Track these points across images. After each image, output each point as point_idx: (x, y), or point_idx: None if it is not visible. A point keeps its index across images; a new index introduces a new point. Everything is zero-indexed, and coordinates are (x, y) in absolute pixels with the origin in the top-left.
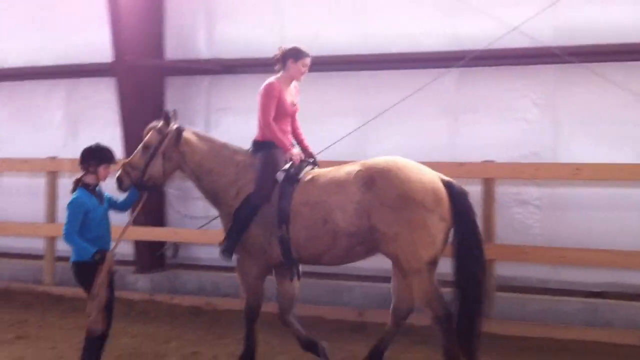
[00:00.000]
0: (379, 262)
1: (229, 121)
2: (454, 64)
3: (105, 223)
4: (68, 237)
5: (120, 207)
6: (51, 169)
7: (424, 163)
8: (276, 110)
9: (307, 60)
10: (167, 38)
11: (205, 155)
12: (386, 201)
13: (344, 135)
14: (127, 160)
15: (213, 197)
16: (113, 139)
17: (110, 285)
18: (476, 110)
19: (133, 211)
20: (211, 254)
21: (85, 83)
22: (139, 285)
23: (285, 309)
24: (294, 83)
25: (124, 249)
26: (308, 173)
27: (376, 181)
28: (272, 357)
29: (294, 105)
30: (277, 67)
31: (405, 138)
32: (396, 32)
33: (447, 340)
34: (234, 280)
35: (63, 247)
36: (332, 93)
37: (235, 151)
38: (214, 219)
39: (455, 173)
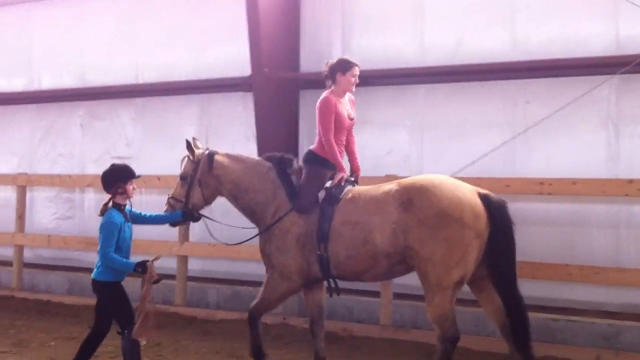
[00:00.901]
0: (527, 290)
1: (364, 136)
2: (616, 70)
3: (130, 243)
4: (106, 256)
5: (152, 220)
6: None
7: (581, 179)
8: (334, 125)
9: (356, 70)
10: (302, 51)
11: (240, 174)
12: (424, 220)
13: (489, 150)
14: (170, 194)
15: (251, 214)
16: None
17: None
18: None
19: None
20: None
21: (218, 98)
22: None
23: (314, 319)
24: (348, 95)
25: (254, 269)
26: (348, 191)
27: (414, 201)
28: None
29: (351, 118)
30: (328, 84)
31: (558, 152)
32: (549, 37)
33: None
34: (369, 304)
35: (193, 266)
36: (476, 105)
37: (270, 168)
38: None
39: (622, 190)
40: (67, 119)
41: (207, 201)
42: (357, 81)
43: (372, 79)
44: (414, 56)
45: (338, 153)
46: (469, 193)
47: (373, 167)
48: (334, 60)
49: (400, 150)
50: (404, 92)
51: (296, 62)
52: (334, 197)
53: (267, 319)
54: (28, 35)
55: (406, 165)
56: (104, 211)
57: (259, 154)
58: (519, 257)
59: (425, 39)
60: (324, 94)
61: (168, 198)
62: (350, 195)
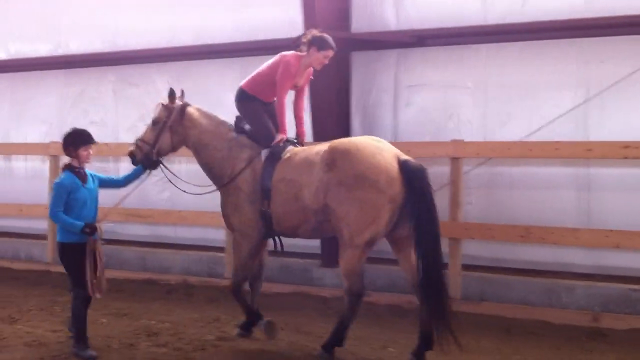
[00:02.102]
0: (600, 259)
1: (422, 98)
2: None
3: (91, 204)
4: (54, 215)
5: (118, 183)
6: None
7: None
8: None
9: (330, 53)
10: (354, 10)
11: (203, 130)
12: (343, 181)
13: (559, 112)
14: (139, 137)
15: (208, 170)
16: (290, 120)
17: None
18: None
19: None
20: None
21: (260, 62)
22: (326, 280)
23: (255, 275)
24: (310, 69)
25: (302, 241)
26: (288, 151)
27: (337, 161)
28: (381, 349)
29: (295, 87)
30: (301, 48)
31: (636, 114)
32: None
33: (351, 315)
34: None
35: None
36: (545, 65)
37: (230, 129)
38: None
39: None
40: (99, 85)
41: (174, 148)
42: (327, 62)
43: (430, 39)
44: (475, 14)
45: (285, 115)
46: (389, 158)
47: (433, 131)
48: (317, 32)
49: (462, 113)
50: (465, 52)
51: (347, 22)
52: (275, 155)
53: (324, 291)
54: None
55: (468, 130)
56: (62, 172)
57: (312, 119)
58: (603, 225)
59: None
60: (294, 54)
61: (136, 140)
62: (288, 154)
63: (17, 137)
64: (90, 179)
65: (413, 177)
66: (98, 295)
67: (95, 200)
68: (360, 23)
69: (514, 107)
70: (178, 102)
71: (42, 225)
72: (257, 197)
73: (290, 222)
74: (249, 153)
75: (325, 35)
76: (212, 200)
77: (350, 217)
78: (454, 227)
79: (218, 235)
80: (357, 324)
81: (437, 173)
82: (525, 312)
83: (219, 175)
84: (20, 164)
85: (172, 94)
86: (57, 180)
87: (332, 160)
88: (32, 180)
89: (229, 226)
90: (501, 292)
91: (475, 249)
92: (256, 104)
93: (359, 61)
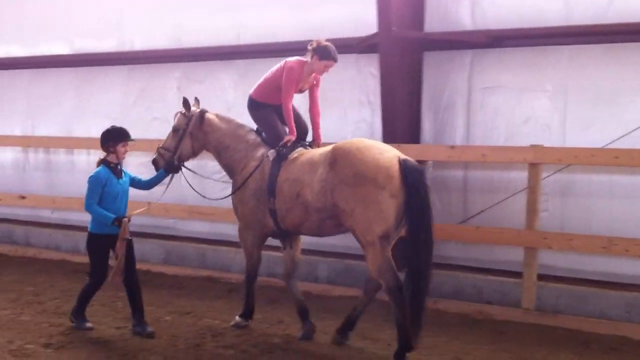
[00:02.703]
0: None
1: (497, 101)
2: None
3: (122, 199)
4: (88, 207)
5: (143, 185)
6: None
7: None
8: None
9: (331, 63)
10: (427, 9)
11: (224, 133)
12: (344, 179)
13: None
14: (161, 145)
15: (229, 171)
16: (358, 121)
17: (128, 250)
18: None
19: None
20: (471, 253)
21: None
22: None
23: (289, 272)
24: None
25: None
26: (295, 152)
27: (338, 161)
28: None
29: (300, 91)
30: (307, 55)
31: None
32: None
33: (399, 311)
34: (501, 284)
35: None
36: (631, 68)
37: (249, 131)
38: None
39: None
40: (163, 82)
41: (195, 153)
42: (327, 72)
43: (507, 40)
44: (557, 14)
45: (292, 118)
46: (389, 157)
47: (507, 136)
48: (322, 42)
49: (540, 117)
50: (545, 54)
51: (420, 21)
52: (282, 156)
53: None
54: None
55: (546, 135)
56: (97, 166)
57: (383, 119)
58: None
59: None
60: (298, 59)
61: (158, 148)
62: (295, 155)
63: (79, 131)
64: (123, 174)
65: (409, 173)
66: (113, 282)
67: (126, 195)
68: (434, 22)
69: (595, 112)
70: (195, 109)
71: None
72: (263, 194)
73: (293, 220)
74: (261, 153)
75: (330, 46)
76: None
77: (357, 213)
78: (530, 235)
79: None
80: (424, 333)
81: (511, 178)
82: (604, 326)
83: (236, 174)
84: (83, 157)
85: (186, 103)
86: (92, 174)
87: (334, 159)
88: None
89: (236, 216)
90: (577, 304)
91: (550, 259)
92: (267, 109)
93: (432, 61)
